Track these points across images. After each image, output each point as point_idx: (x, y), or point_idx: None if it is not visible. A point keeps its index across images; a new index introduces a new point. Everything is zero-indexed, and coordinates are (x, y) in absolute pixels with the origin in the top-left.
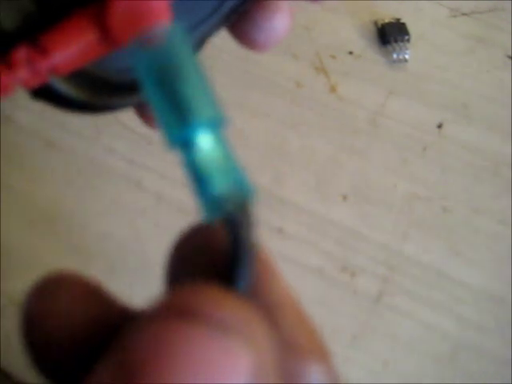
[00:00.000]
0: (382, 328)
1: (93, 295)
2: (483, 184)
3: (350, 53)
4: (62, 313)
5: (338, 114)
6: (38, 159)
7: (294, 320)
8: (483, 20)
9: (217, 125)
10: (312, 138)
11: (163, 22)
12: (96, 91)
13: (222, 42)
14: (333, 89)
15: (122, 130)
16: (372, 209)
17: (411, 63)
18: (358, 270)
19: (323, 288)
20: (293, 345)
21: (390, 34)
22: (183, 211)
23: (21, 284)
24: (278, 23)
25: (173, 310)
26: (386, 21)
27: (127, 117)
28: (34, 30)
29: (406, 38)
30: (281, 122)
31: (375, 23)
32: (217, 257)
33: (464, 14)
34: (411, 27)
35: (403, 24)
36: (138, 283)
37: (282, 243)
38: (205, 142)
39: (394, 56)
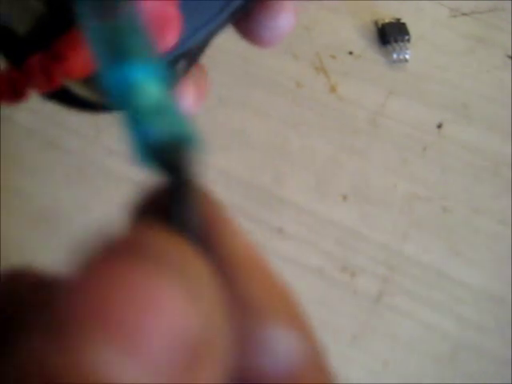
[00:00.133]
0: (382, 328)
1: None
2: (483, 184)
3: (350, 53)
4: None
5: (338, 113)
6: (37, 159)
7: (256, 278)
8: (483, 20)
9: (157, 72)
10: (312, 138)
11: (176, 25)
12: None
13: (222, 41)
14: (333, 89)
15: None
16: (372, 209)
17: (411, 63)
18: (358, 269)
19: (323, 288)
20: (253, 305)
21: (390, 34)
22: None
23: None
24: (283, 22)
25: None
26: (387, 21)
27: None
28: (47, 33)
29: (406, 38)
30: (281, 122)
31: (375, 23)
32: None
33: (464, 14)
34: (411, 27)
35: (403, 24)
36: None
37: (282, 243)
38: (144, 86)
39: (394, 56)
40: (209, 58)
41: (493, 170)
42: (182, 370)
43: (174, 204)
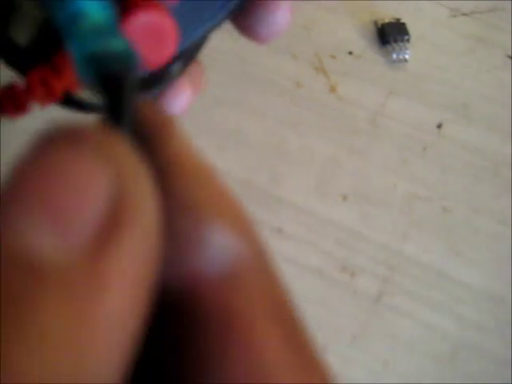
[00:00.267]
0: (382, 328)
1: None
2: (483, 184)
3: (350, 53)
4: None
5: (338, 113)
6: None
7: (200, 183)
8: (483, 20)
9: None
10: (311, 138)
11: (173, 37)
12: None
13: (219, 41)
14: (332, 89)
15: None
16: (372, 209)
17: (411, 63)
18: (358, 270)
19: (323, 288)
20: (192, 206)
21: (389, 34)
22: None
23: None
24: (280, 18)
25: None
26: (386, 21)
27: None
28: (48, 44)
29: (406, 38)
30: (280, 122)
31: (375, 23)
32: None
33: (464, 14)
34: (411, 27)
35: (403, 24)
36: None
37: (282, 243)
38: (87, 13)
39: (394, 56)
40: (206, 57)
41: (493, 170)
42: (103, 234)
43: (114, 110)
